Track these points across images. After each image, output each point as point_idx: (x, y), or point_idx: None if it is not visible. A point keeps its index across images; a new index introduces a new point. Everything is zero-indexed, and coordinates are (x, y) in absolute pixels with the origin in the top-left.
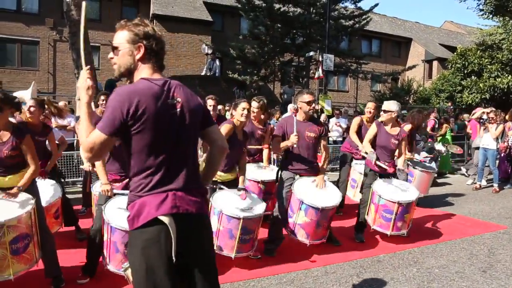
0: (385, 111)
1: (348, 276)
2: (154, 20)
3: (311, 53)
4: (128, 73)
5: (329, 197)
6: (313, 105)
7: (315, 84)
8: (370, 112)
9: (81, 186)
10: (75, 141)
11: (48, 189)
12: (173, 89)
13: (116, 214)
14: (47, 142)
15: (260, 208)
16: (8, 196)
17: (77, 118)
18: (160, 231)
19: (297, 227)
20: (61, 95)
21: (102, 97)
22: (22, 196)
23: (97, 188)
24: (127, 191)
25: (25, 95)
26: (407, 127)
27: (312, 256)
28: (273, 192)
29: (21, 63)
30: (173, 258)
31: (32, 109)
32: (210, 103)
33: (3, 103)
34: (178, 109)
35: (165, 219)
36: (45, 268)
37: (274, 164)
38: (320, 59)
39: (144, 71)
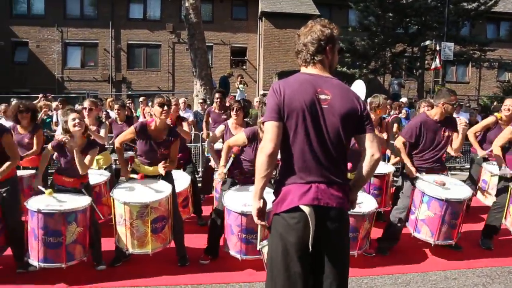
0: None
1: (472, 285)
2: (263, 18)
3: (427, 42)
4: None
5: (456, 190)
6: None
7: (430, 75)
8: (509, 110)
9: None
10: (192, 134)
11: (178, 179)
12: (324, 86)
13: (234, 198)
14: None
15: (368, 205)
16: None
17: (195, 114)
18: (300, 220)
19: (419, 224)
20: (179, 92)
21: (217, 95)
22: (161, 183)
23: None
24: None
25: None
26: None
27: (429, 259)
28: (383, 187)
29: (146, 65)
30: (310, 246)
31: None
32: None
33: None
34: (325, 106)
35: (305, 209)
36: (176, 248)
37: (386, 161)
38: (438, 48)
39: (301, 67)
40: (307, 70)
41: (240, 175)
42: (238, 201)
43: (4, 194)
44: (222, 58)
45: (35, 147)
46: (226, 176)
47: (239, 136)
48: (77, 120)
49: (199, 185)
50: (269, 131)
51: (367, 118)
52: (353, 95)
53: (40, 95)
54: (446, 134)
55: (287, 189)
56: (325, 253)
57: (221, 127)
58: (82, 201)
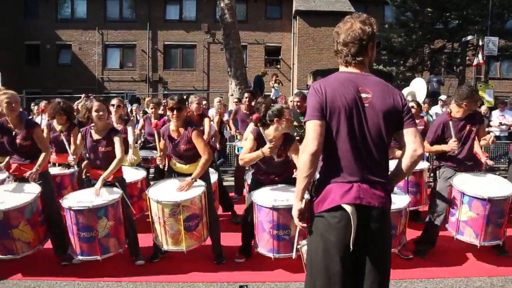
0: None
1: None
2: (297, 16)
3: (469, 37)
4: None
5: (498, 187)
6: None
7: (472, 72)
8: None
9: (233, 175)
10: (229, 133)
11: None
12: (364, 84)
13: (264, 195)
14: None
15: (402, 200)
16: (186, 187)
17: (230, 113)
18: (341, 219)
19: (461, 225)
20: (214, 92)
21: (246, 95)
22: (196, 181)
23: (249, 176)
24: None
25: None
26: None
27: (473, 263)
28: (421, 183)
29: (182, 65)
30: (351, 246)
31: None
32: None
33: (182, 104)
34: (366, 104)
35: (348, 208)
36: (212, 245)
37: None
38: (480, 43)
39: (340, 66)
40: (347, 69)
41: (265, 175)
42: (269, 197)
43: (40, 187)
44: (256, 57)
45: (73, 146)
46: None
47: (248, 140)
48: (100, 112)
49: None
50: (311, 130)
51: (408, 113)
52: (393, 91)
53: (83, 95)
54: (469, 128)
55: (328, 188)
56: (367, 254)
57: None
58: (112, 195)
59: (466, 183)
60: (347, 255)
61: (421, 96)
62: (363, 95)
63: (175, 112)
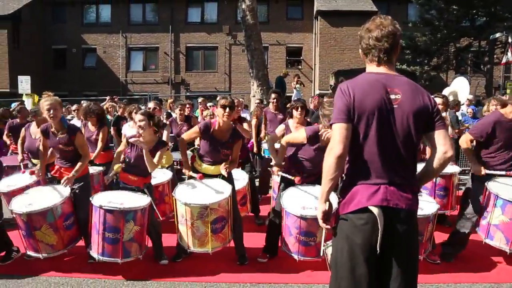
0: None
1: None
2: (319, 17)
3: (497, 35)
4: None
5: None
6: None
7: (500, 70)
8: None
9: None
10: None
11: (236, 178)
12: (393, 85)
13: (292, 200)
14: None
15: (430, 206)
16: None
17: (251, 113)
18: (368, 221)
19: (492, 229)
20: (235, 93)
21: (273, 96)
22: (222, 183)
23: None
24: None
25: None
26: None
27: (503, 269)
28: (450, 187)
29: (204, 67)
30: (377, 249)
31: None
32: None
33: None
34: (395, 105)
35: (374, 210)
36: (235, 246)
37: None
38: (510, 40)
39: (368, 66)
40: (376, 69)
41: (297, 174)
42: (297, 203)
43: (77, 190)
44: (278, 58)
45: (100, 143)
46: (281, 173)
47: (300, 133)
48: (142, 123)
49: (257, 184)
50: (338, 132)
51: (437, 114)
52: (422, 92)
53: (108, 98)
54: None
55: (355, 190)
56: (394, 256)
57: (281, 127)
58: (142, 201)
59: (501, 186)
60: (373, 257)
61: (463, 96)
62: (392, 96)
63: (227, 110)
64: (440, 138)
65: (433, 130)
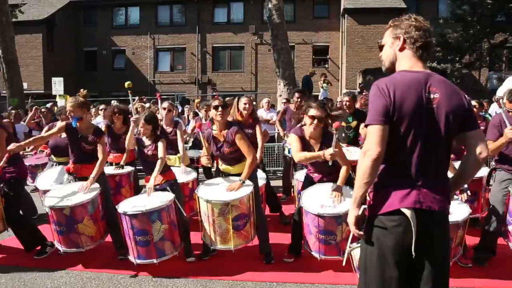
0: None
1: None
2: (345, 15)
3: None
4: (392, 66)
5: None
6: None
7: None
8: None
9: (281, 175)
10: (276, 134)
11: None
12: (432, 84)
13: (311, 199)
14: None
15: (461, 212)
16: (236, 188)
17: (278, 113)
18: (400, 223)
19: None
20: (261, 93)
21: (297, 95)
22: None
23: (299, 176)
24: None
25: None
26: None
27: None
28: (479, 191)
29: (230, 67)
30: (413, 253)
31: (247, 106)
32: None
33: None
34: (434, 105)
35: (407, 212)
36: (260, 245)
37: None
38: None
39: (403, 62)
40: (414, 67)
41: (317, 173)
42: (316, 202)
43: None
44: (304, 57)
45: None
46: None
47: (293, 145)
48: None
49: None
50: (374, 134)
51: (472, 114)
52: (458, 91)
53: (136, 98)
54: None
55: (387, 191)
56: (426, 259)
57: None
58: (164, 199)
59: None
60: (404, 260)
61: None
62: (431, 96)
63: (219, 109)
64: (475, 139)
65: (468, 130)
